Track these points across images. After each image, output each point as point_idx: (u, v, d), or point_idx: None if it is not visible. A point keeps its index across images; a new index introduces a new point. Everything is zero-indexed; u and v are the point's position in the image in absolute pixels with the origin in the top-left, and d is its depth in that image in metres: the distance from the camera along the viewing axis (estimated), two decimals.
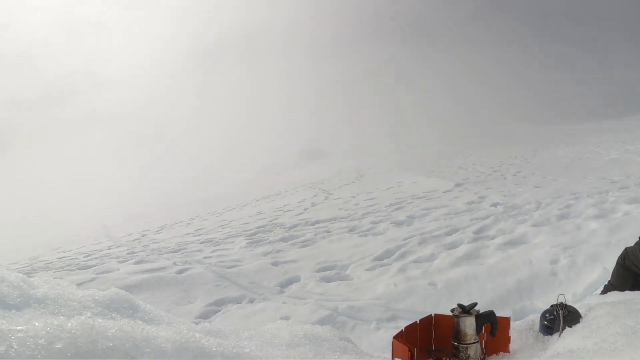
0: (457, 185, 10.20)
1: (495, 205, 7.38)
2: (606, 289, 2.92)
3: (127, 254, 7.19)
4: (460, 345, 1.92)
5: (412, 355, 1.83)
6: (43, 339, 1.07)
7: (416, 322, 2.10)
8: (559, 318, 1.96)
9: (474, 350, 1.92)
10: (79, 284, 5.06)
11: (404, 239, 5.90)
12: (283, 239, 6.94)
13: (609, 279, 2.97)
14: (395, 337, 1.94)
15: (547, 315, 2.05)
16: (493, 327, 1.98)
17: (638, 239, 2.76)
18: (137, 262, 6.24)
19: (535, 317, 2.21)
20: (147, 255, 6.78)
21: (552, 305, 2.08)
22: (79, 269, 6.33)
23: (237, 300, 4.38)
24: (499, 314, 2.01)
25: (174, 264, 5.84)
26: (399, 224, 7.01)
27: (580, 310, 2.04)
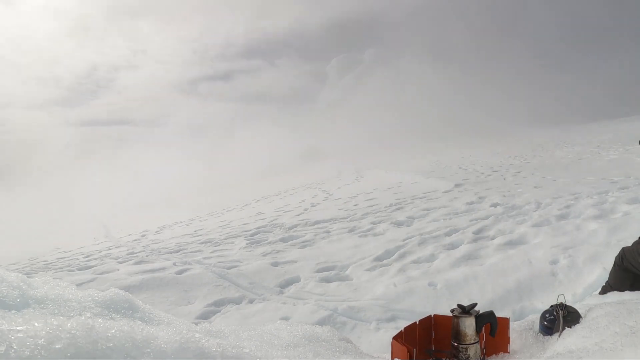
0: (457, 185, 10.20)
1: (495, 205, 7.37)
2: (604, 290, 2.91)
3: (127, 254, 7.19)
4: (460, 346, 1.92)
5: (411, 356, 1.83)
6: (43, 339, 1.07)
7: (415, 322, 2.10)
8: (559, 318, 1.96)
9: (473, 351, 1.92)
10: (78, 285, 5.06)
11: (404, 240, 5.90)
12: (283, 240, 6.94)
13: (607, 279, 2.96)
14: (395, 338, 1.94)
15: (546, 315, 2.05)
16: (493, 327, 1.98)
17: (638, 239, 2.75)
18: (137, 263, 6.24)
19: (535, 318, 2.21)
20: (147, 255, 6.78)
21: (551, 306, 2.08)
22: (78, 269, 6.33)
23: (237, 301, 4.38)
24: (498, 314, 2.01)
25: (174, 264, 5.84)
26: (399, 224, 7.01)
27: (580, 311, 2.04)
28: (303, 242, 6.63)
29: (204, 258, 6.15)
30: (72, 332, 1.13)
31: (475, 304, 1.98)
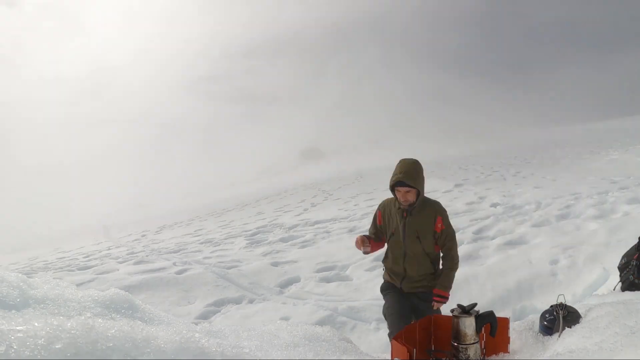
0: (457, 185, 10.20)
1: (495, 205, 7.37)
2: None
3: (127, 254, 7.19)
4: (460, 346, 1.92)
5: (411, 356, 1.83)
6: (43, 339, 1.07)
7: (415, 322, 2.10)
8: (559, 318, 1.96)
9: (473, 351, 1.92)
10: (78, 285, 5.06)
11: None
12: (283, 240, 6.94)
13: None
14: (395, 338, 1.94)
15: (546, 315, 2.05)
16: (493, 327, 1.98)
17: (638, 240, 2.75)
18: (137, 263, 6.24)
19: (535, 318, 2.21)
20: (147, 255, 6.78)
21: (551, 306, 2.08)
22: (78, 269, 6.33)
23: (237, 301, 4.38)
24: (498, 314, 2.01)
25: (174, 264, 5.84)
26: None
27: (580, 311, 2.04)
28: (303, 242, 6.63)
29: (204, 258, 6.15)
30: (72, 332, 1.13)
31: (475, 304, 1.98)
